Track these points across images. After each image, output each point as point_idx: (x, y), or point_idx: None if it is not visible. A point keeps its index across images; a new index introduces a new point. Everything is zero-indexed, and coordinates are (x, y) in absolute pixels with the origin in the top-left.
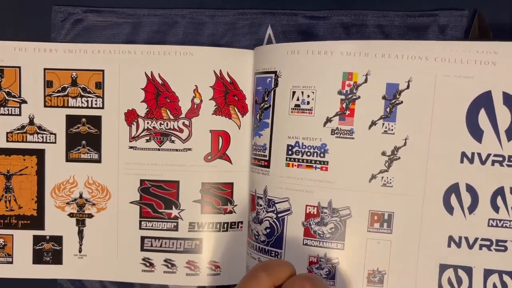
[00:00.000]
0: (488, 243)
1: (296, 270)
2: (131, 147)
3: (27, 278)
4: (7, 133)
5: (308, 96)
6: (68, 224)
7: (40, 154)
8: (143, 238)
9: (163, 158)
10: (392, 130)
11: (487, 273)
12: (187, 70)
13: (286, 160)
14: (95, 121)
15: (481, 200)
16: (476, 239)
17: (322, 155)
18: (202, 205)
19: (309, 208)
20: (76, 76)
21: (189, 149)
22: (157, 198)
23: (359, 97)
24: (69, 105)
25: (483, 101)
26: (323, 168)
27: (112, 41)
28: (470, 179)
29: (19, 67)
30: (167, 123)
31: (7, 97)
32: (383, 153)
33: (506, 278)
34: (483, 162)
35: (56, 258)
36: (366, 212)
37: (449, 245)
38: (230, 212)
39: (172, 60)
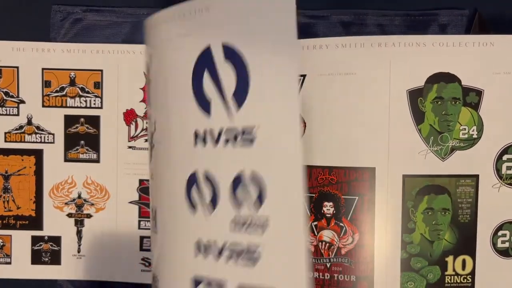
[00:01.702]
0: (234, 253)
1: None
2: (130, 147)
3: (26, 278)
4: (5, 133)
5: None
6: (67, 224)
7: (38, 154)
8: (142, 238)
9: None
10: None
11: None
12: None
13: None
14: (94, 121)
15: (222, 193)
16: (223, 246)
17: None
18: None
19: None
20: (74, 76)
21: None
22: None
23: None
24: (68, 105)
25: (205, 60)
26: None
27: (112, 40)
28: (207, 164)
29: (17, 67)
30: None
31: (5, 97)
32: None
33: None
34: (216, 141)
35: (55, 258)
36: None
37: (196, 254)
38: None
39: None
